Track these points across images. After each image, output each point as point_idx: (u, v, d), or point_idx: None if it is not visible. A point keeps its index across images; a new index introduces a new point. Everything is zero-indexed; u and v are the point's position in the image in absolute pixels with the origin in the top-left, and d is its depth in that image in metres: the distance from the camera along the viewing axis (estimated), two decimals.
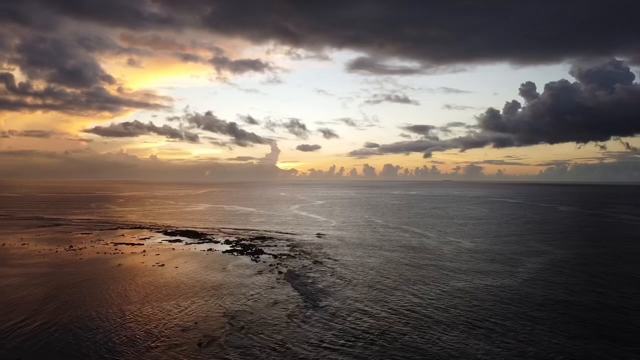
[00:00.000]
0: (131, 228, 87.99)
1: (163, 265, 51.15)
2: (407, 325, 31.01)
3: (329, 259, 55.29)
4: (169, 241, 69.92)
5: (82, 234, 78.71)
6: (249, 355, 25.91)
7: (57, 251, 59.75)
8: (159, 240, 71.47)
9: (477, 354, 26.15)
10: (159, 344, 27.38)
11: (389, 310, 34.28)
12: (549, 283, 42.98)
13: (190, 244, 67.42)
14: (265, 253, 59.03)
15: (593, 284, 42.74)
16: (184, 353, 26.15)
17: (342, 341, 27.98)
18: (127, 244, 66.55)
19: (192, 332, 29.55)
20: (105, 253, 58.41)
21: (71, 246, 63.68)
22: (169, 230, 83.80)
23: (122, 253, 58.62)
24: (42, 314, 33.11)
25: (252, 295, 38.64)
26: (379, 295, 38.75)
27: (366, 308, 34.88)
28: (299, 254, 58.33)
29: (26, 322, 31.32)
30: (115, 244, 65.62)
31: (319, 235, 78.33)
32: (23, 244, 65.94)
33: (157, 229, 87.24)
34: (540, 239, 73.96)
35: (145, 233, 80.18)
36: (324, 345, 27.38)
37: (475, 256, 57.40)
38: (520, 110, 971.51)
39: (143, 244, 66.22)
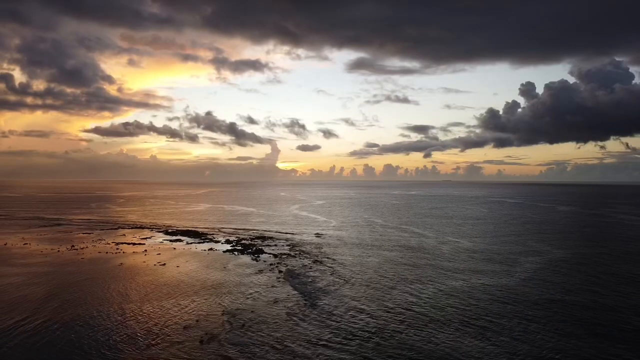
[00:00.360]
0: (132, 228, 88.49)
1: (164, 264, 51.64)
2: (402, 323, 31.54)
3: (328, 258, 55.77)
4: (170, 241, 70.42)
5: (83, 233, 79.20)
6: (249, 353, 26.40)
7: (59, 251, 60.23)
8: (160, 239, 71.97)
9: (470, 351, 26.66)
10: (161, 342, 27.88)
11: (386, 309, 34.79)
12: (546, 282, 43.46)
13: (191, 243, 67.93)
14: (266, 252, 59.53)
15: (589, 283, 43.19)
16: (185, 350, 26.64)
17: (338, 339, 28.49)
18: (129, 243, 67.05)
19: (194, 329, 30.06)
20: (107, 252, 58.90)
21: (73, 246, 64.17)
22: (169, 230, 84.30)
23: (123, 252, 59.11)
24: (44, 312, 33.61)
25: (252, 293, 39.14)
26: (376, 294, 39.25)
27: (363, 306, 35.38)
28: (299, 254, 58.82)
29: (29, 320, 31.84)
30: (117, 244, 66.11)
31: (318, 235, 78.82)
32: (25, 244, 66.42)
33: (158, 228, 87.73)
34: (539, 238, 74.43)
35: (146, 233, 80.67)
36: (321, 342, 27.90)
37: (473, 256, 57.86)
38: (520, 110, 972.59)
39: (144, 244, 66.72)
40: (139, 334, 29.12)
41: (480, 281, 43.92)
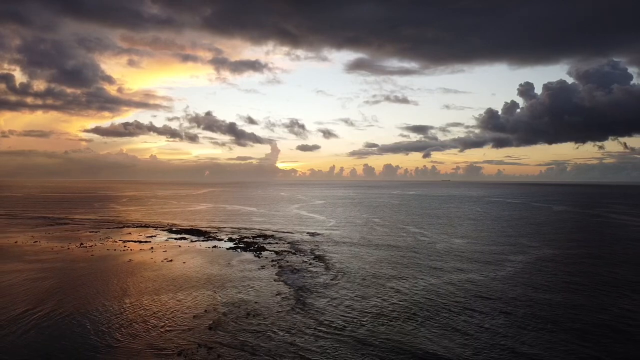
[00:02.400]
0: (137, 227, 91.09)
1: (171, 260, 54.29)
2: (380, 315, 34.34)
3: (326, 256, 58.35)
4: (175, 239, 73.13)
5: (90, 232, 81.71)
6: (252, 338, 29.07)
7: (68, 248, 62.80)
8: (165, 237, 74.62)
9: (435, 338, 29.55)
10: (172, 329, 30.54)
11: (372, 303, 37.55)
12: (526, 281, 45.85)
13: (195, 241, 70.59)
14: (267, 250, 62.17)
15: (569, 282, 45.21)
16: (196, 336, 29.31)
17: (324, 328, 31.24)
18: (135, 241, 69.65)
19: (203, 318, 32.73)
20: (114, 250, 61.45)
21: (82, 243, 66.75)
22: (173, 229, 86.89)
23: (131, 250, 61.67)
24: (58, 303, 36.18)
25: (255, 287, 41.80)
26: (366, 289, 41.93)
27: (351, 302, 37.85)
28: (299, 251, 61.45)
29: (41, 309, 34.37)
30: (124, 242, 68.71)
31: (318, 233, 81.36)
32: (35, 242, 68.95)
33: (162, 227, 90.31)
34: (531, 238, 77.05)
35: (151, 231, 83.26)
36: (310, 331, 30.68)
37: (463, 255, 60.48)
38: (518, 110, 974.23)
39: (150, 242, 69.37)
40: (150, 323, 31.74)
41: (464, 278, 46.61)
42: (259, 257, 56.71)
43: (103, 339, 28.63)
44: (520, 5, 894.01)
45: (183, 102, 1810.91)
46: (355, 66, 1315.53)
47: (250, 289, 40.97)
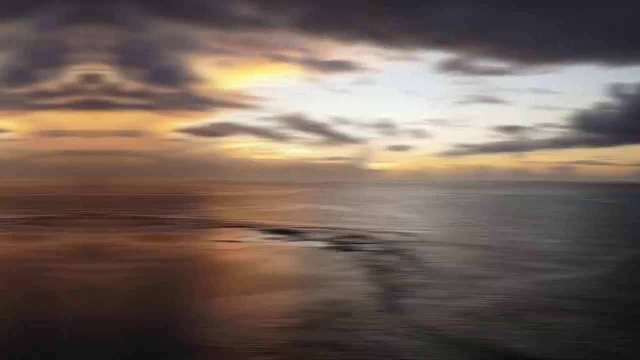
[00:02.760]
0: (229, 227, 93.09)
1: (265, 260, 55.32)
2: (470, 315, 33.07)
3: (417, 255, 57.10)
4: (268, 239, 74.37)
5: (183, 232, 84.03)
6: (344, 337, 28.84)
7: (163, 248, 64.85)
8: (258, 237, 76.00)
9: (525, 339, 28.04)
10: (268, 325, 30.97)
11: (463, 304, 36.29)
12: (617, 281, 43.66)
13: (288, 241, 71.53)
14: (360, 250, 61.92)
15: None
16: (291, 333, 29.61)
17: (415, 328, 30.47)
18: (227, 241, 71.37)
19: (297, 317, 32.95)
20: (208, 250, 63.28)
21: (175, 243, 68.95)
22: (267, 229, 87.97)
23: (224, 250, 63.20)
24: (152, 303, 37.50)
25: (347, 286, 41.70)
26: (457, 290, 40.57)
27: (442, 302, 36.76)
28: (390, 251, 60.70)
29: (135, 308, 35.28)
30: (217, 242, 70.71)
31: (410, 234, 79.99)
32: (129, 242, 70.17)
33: (255, 227, 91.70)
34: (623, 239, 73.04)
35: (244, 231, 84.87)
36: (401, 332, 29.97)
37: (554, 255, 57.56)
38: (610, 110, 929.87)
39: (243, 242, 70.86)
40: (243, 322, 32.20)
41: (554, 278, 44.77)
42: (352, 257, 56.50)
43: (196, 338, 29.23)
44: (611, 6, 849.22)
45: (274, 102, 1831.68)
46: (446, 66, 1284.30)
47: (341, 289, 40.87)
